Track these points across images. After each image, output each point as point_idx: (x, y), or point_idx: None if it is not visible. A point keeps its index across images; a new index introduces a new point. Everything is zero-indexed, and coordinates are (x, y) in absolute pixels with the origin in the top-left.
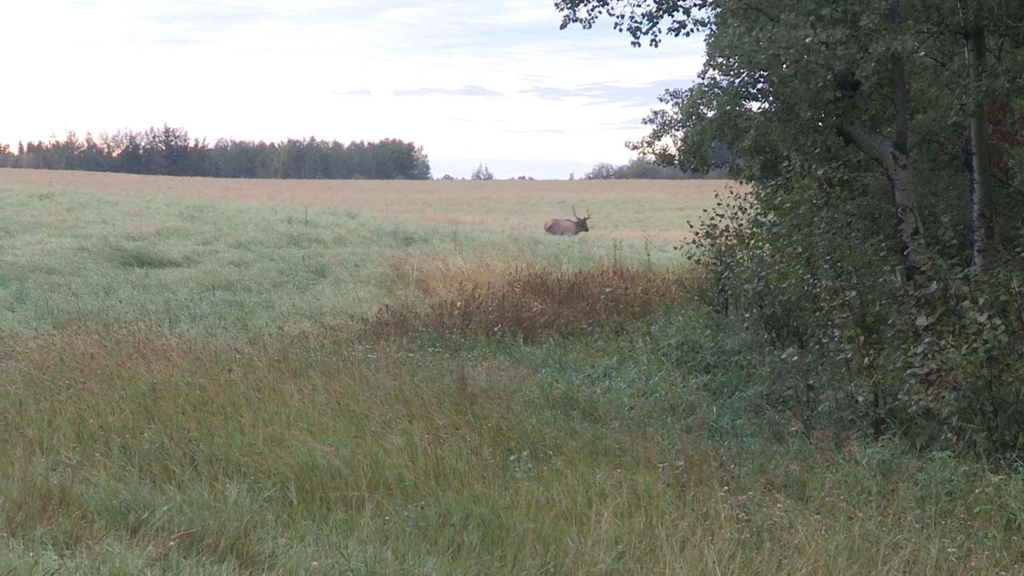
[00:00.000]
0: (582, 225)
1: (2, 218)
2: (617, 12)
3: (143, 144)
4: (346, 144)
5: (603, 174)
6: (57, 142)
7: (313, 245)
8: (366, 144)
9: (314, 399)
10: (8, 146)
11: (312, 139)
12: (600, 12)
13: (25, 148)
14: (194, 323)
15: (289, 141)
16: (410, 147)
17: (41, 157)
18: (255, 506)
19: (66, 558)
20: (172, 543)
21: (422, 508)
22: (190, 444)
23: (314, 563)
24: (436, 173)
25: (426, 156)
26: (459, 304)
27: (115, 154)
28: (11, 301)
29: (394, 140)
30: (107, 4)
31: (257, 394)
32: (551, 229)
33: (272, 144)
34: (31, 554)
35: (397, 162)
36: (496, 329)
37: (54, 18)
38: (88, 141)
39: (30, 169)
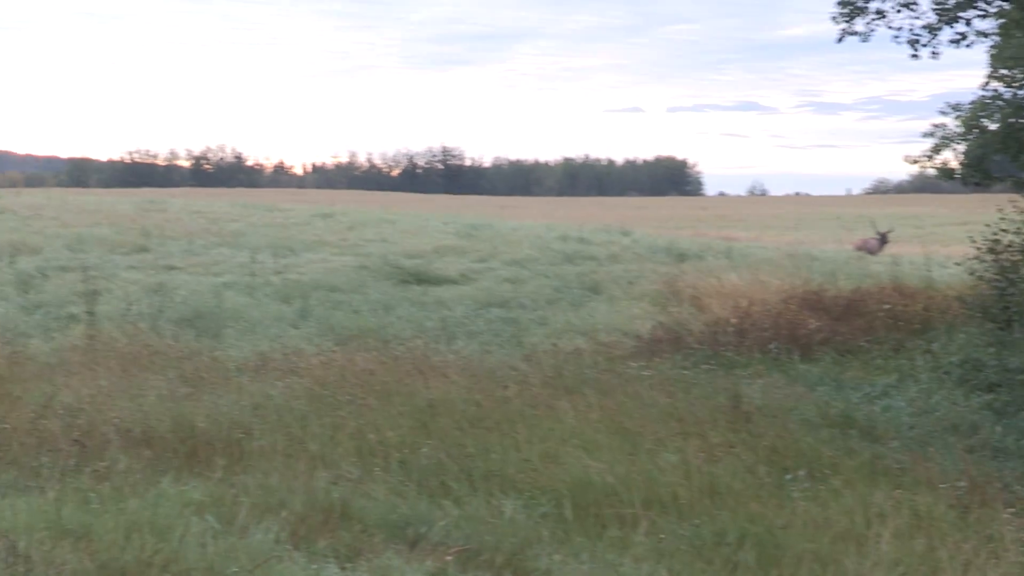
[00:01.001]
0: (883, 239)
1: (287, 237)
2: (895, 25)
3: (421, 163)
4: (620, 161)
5: (881, 189)
6: (339, 163)
7: (587, 262)
8: (640, 161)
9: (588, 416)
10: (293, 167)
11: (586, 156)
12: (878, 26)
13: (309, 169)
14: (470, 340)
15: (563, 159)
16: (683, 163)
17: (324, 177)
18: (530, 522)
19: (347, 571)
20: (449, 558)
21: (697, 526)
22: (466, 460)
23: None
24: (710, 189)
25: (699, 172)
26: (733, 321)
27: (394, 173)
28: (295, 318)
29: (667, 156)
30: (387, 28)
31: (532, 410)
32: (861, 248)
33: (546, 162)
34: (314, 567)
35: (671, 178)
36: (771, 346)
37: (335, 44)
38: (368, 161)
39: (313, 189)
